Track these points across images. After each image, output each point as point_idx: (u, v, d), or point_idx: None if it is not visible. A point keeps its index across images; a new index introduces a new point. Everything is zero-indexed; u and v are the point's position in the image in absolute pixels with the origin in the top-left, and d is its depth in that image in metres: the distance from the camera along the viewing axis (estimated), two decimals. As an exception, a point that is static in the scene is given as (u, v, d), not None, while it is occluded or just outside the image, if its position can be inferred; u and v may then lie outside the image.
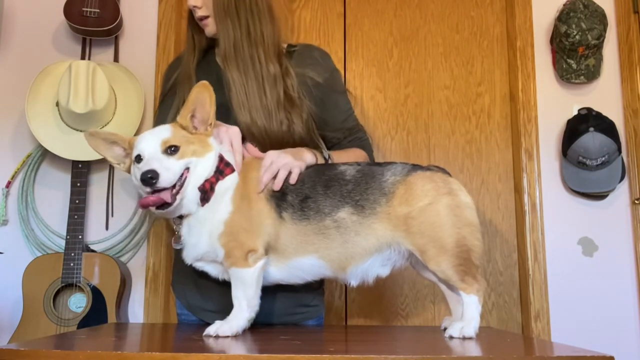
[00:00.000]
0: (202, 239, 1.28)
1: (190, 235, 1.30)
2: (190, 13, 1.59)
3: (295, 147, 1.47)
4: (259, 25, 1.50)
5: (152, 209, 1.25)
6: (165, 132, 1.30)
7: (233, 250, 1.26)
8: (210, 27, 1.55)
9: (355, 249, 1.27)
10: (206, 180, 1.29)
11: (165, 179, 1.22)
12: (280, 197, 1.30)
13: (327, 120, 1.59)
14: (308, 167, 1.37)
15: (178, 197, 1.25)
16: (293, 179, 1.33)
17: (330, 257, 1.28)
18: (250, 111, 1.45)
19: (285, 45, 1.60)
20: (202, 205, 1.28)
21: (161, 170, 1.23)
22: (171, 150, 1.26)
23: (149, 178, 1.21)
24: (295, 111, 1.50)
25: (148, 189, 1.23)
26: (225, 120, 1.45)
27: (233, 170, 1.32)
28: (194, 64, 1.57)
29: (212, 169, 1.30)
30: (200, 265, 1.35)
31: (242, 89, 1.47)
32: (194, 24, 1.60)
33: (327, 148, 1.56)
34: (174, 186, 1.25)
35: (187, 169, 1.27)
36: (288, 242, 1.28)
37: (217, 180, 1.30)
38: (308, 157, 1.42)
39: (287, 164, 1.34)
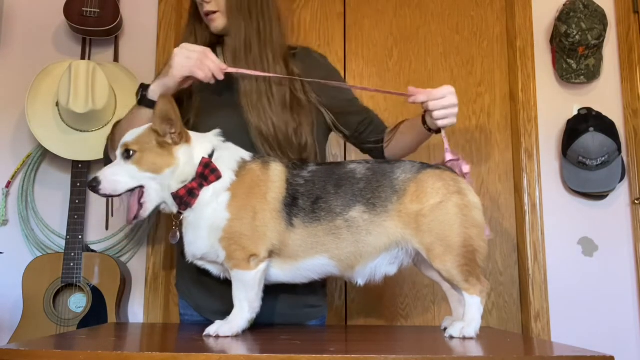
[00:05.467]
0: (201, 240, 1.27)
1: (187, 234, 1.29)
2: (194, 6, 1.57)
3: (300, 149, 1.48)
4: (269, 26, 1.51)
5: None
6: (132, 134, 1.28)
7: (235, 252, 1.25)
8: (217, 23, 1.53)
9: (366, 248, 1.26)
10: (182, 187, 1.26)
11: (106, 188, 1.23)
12: (292, 204, 1.27)
13: (337, 105, 1.59)
14: (317, 166, 1.35)
15: (142, 211, 1.25)
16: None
17: (340, 257, 1.27)
18: (259, 111, 1.45)
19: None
20: (182, 210, 1.26)
21: (104, 177, 1.23)
22: (127, 154, 1.25)
23: (90, 185, 1.23)
24: (303, 113, 1.50)
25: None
26: (229, 120, 1.44)
27: (219, 178, 1.27)
28: None
29: (177, 180, 1.26)
30: (201, 264, 1.34)
31: (251, 88, 1.46)
32: (198, 17, 1.57)
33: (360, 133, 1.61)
34: (141, 195, 1.25)
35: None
36: (297, 247, 1.27)
37: (201, 186, 1.26)
38: None
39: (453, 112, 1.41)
